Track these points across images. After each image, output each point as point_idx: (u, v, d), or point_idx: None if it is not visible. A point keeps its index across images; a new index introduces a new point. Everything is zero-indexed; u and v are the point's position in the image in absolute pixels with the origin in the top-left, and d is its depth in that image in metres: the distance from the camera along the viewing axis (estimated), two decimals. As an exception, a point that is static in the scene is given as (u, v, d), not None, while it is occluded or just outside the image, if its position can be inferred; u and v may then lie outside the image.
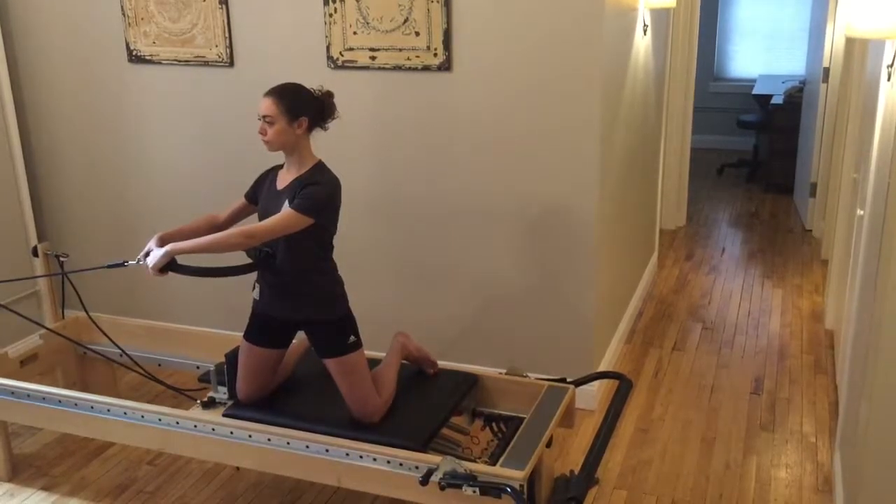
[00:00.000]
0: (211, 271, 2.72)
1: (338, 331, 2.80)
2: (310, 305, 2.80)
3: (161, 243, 2.70)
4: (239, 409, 2.87)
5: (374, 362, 2.97)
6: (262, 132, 2.69)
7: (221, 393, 2.97)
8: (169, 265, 2.64)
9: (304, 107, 2.70)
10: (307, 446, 2.67)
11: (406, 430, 2.74)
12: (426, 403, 2.92)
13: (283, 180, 2.78)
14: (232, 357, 2.95)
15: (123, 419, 2.91)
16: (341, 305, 2.84)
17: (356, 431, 2.73)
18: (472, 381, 3.06)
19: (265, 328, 2.86)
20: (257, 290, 2.86)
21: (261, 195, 2.85)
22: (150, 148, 4.06)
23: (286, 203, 2.69)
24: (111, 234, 4.26)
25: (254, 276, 2.84)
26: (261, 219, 2.78)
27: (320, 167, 2.78)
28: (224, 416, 2.84)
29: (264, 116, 2.67)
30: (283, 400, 2.93)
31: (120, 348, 3.39)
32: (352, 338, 2.81)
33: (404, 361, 3.06)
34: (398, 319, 3.85)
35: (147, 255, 2.68)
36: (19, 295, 4.06)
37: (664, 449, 3.43)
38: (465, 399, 3.02)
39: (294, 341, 2.97)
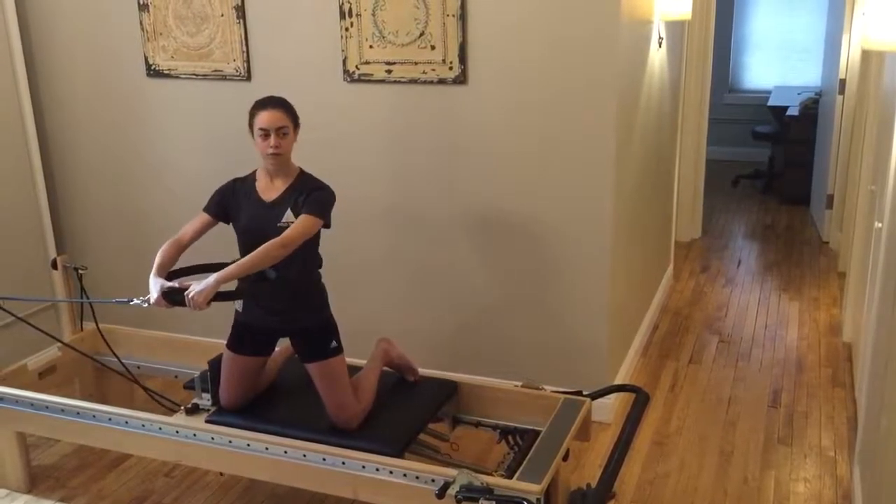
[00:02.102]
0: (244, 292, 2.78)
1: (322, 335, 2.86)
2: (301, 311, 2.85)
3: (163, 279, 2.71)
4: (221, 415, 2.93)
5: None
6: (277, 146, 2.71)
7: (205, 399, 3.03)
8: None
9: (297, 116, 2.81)
10: (324, 458, 2.68)
11: (383, 436, 2.78)
12: (405, 410, 2.97)
13: (270, 191, 2.80)
14: (215, 364, 3.00)
15: (140, 431, 2.93)
16: (327, 310, 2.91)
17: (334, 437, 2.77)
18: (451, 388, 3.10)
19: (248, 337, 2.90)
20: (240, 302, 2.88)
21: (235, 211, 2.84)
22: (169, 161, 4.09)
23: (287, 211, 2.74)
24: (130, 246, 4.29)
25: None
26: (245, 235, 2.81)
27: (307, 173, 2.84)
28: (206, 421, 2.91)
29: (279, 128, 2.71)
30: (264, 406, 2.98)
31: (118, 357, 3.45)
32: (334, 342, 2.86)
33: (386, 368, 3.09)
34: (411, 330, 3.86)
35: (169, 293, 2.65)
36: (38, 307, 4.10)
37: (681, 463, 3.41)
38: (445, 406, 3.06)
39: (277, 348, 3.02)
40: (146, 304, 2.73)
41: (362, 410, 2.86)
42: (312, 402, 2.88)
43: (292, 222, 2.72)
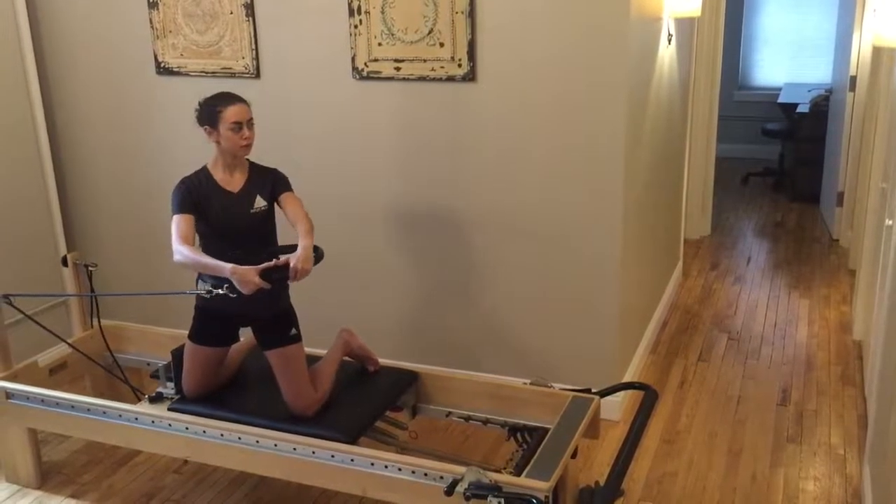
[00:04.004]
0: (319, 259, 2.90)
1: (284, 322, 2.92)
2: (269, 299, 2.84)
3: (233, 265, 2.70)
4: (183, 403, 3.00)
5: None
6: (249, 137, 2.84)
7: (169, 388, 3.11)
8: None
9: None
10: (332, 455, 2.69)
11: (336, 423, 2.83)
12: (362, 399, 3.03)
13: (232, 183, 2.90)
14: (178, 353, 3.06)
15: (151, 428, 2.94)
16: (288, 298, 2.98)
17: (289, 424, 2.82)
18: (410, 378, 3.15)
19: (212, 328, 2.95)
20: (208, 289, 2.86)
21: (205, 205, 2.86)
22: (179, 159, 4.09)
23: (258, 197, 2.87)
24: (140, 243, 4.31)
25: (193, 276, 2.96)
26: (219, 225, 2.87)
27: (253, 161, 2.97)
28: (169, 409, 2.97)
29: (249, 120, 2.84)
30: (224, 394, 3.05)
31: (111, 352, 3.48)
32: (293, 330, 2.93)
33: (347, 359, 3.14)
34: (420, 328, 3.86)
35: (267, 274, 2.68)
36: (49, 304, 4.12)
37: (690, 461, 3.40)
38: (405, 395, 3.12)
39: (241, 339, 3.09)
40: (235, 294, 2.72)
41: (319, 399, 2.92)
42: (271, 391, 2.96)
43: (263, 207, 2.88)
